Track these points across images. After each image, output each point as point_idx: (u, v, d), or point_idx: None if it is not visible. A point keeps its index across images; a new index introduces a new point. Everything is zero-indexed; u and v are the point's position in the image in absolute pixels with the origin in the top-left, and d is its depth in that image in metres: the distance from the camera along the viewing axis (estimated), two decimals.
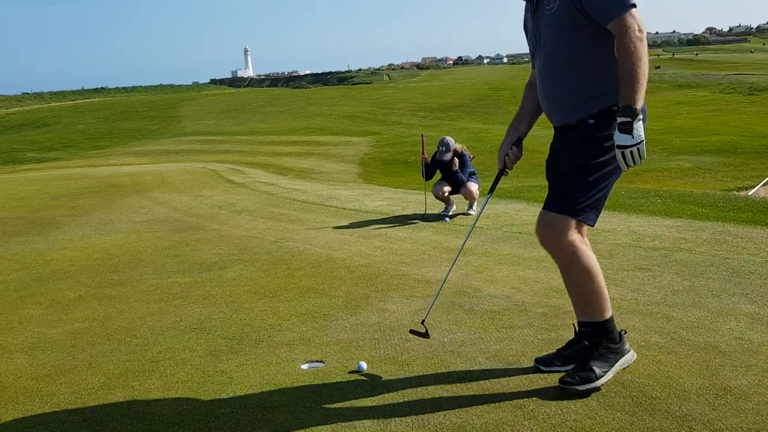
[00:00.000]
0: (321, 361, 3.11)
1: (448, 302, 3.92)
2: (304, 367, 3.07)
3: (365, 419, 2.51)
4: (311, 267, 5.02)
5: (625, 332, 2.75)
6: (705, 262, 4.51)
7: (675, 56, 77.12)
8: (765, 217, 5.93)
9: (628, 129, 2.37)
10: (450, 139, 7.23)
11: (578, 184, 2.56)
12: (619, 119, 2.39)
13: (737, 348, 2.97)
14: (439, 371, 2.92)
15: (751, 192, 10.55)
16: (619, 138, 2.39)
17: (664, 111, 30.40)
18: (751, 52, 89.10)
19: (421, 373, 2.90)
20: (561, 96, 2.64)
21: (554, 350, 2.90)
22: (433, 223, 6.77)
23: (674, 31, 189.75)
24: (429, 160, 7.23)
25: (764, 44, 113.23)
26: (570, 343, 2.83)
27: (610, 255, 4.86)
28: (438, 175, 7.38)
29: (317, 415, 2.57)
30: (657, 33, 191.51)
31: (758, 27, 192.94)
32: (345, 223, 7.02)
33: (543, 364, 2.84)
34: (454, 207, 7.34)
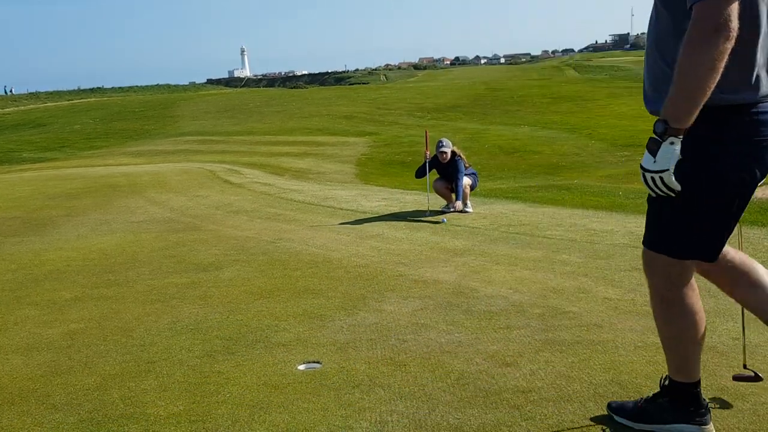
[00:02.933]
0: (318, 362, 3.10)
1: (446, 303, 3.93)
2: (301, 367, 3.06)
3: (362, 420, 2.51)
4: (308, 267, 5.02)
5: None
6: None
7: None
8: (761, 217, 5.94)
9: (653, 149, 1.89)
10: (448, 141, 7.49)
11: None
12: (653, 134, 1.90)
13: (734, 348, 2.97)
14: (437, 372, 2.91)
15: None
16: (644, 157, 1.92)
17: None
18: None
19: (418, 374, 2.90)
20: (646, 82, 2.13)
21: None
22: (430, 223, 6.77)
23: None
24: (431, 157, 7.44)
25: None
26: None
27: (608, 255, 4.87)
28: (435, 174, 7.57)
29: (314, 415, 2.57)
30: None
31: None
32: (342, 223, 7.02)
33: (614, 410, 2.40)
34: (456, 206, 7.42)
